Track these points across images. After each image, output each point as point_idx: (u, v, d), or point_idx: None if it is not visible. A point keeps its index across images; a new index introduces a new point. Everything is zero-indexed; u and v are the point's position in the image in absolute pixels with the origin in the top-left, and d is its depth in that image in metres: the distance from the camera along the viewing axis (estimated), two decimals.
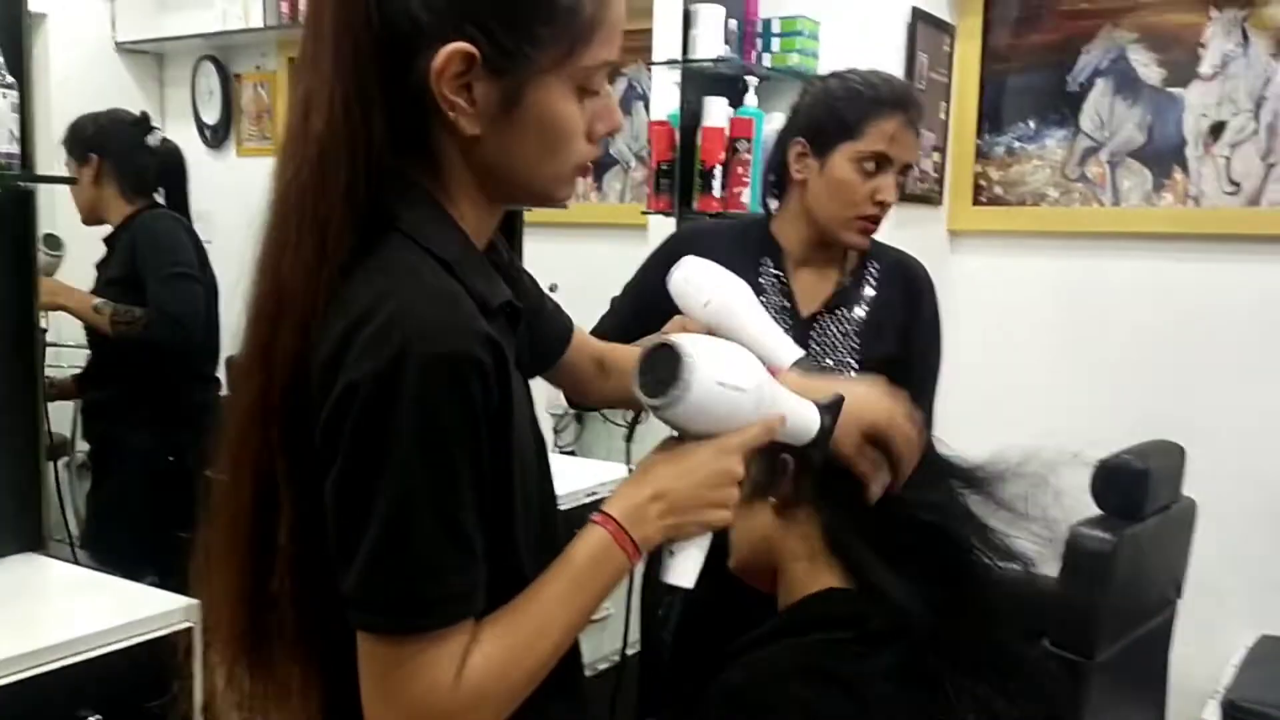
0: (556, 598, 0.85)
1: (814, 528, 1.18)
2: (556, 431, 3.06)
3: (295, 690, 0.89)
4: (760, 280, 1.68)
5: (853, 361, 1.64)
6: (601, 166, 3.51)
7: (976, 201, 3.25)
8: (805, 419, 1.03)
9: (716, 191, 2.79)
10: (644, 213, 2.88)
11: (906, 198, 3.04)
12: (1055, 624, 1.94)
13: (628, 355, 1.15)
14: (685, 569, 0.96)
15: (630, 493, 0.90)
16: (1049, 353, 3.18)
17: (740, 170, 2.80)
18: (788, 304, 1.67)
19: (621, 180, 3.48)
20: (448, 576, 0.78)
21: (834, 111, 1.62)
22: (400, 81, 0.82)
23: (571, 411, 3.06)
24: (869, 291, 1.70)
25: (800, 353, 1.34)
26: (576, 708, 1.00)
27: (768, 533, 1.20)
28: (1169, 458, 2.13)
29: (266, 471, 0.83)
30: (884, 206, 1.63)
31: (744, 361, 0.95)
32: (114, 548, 2.30)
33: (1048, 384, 3.17)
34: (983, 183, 3.24)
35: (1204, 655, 2.80)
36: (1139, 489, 1.98)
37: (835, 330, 1.66)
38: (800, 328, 1.65)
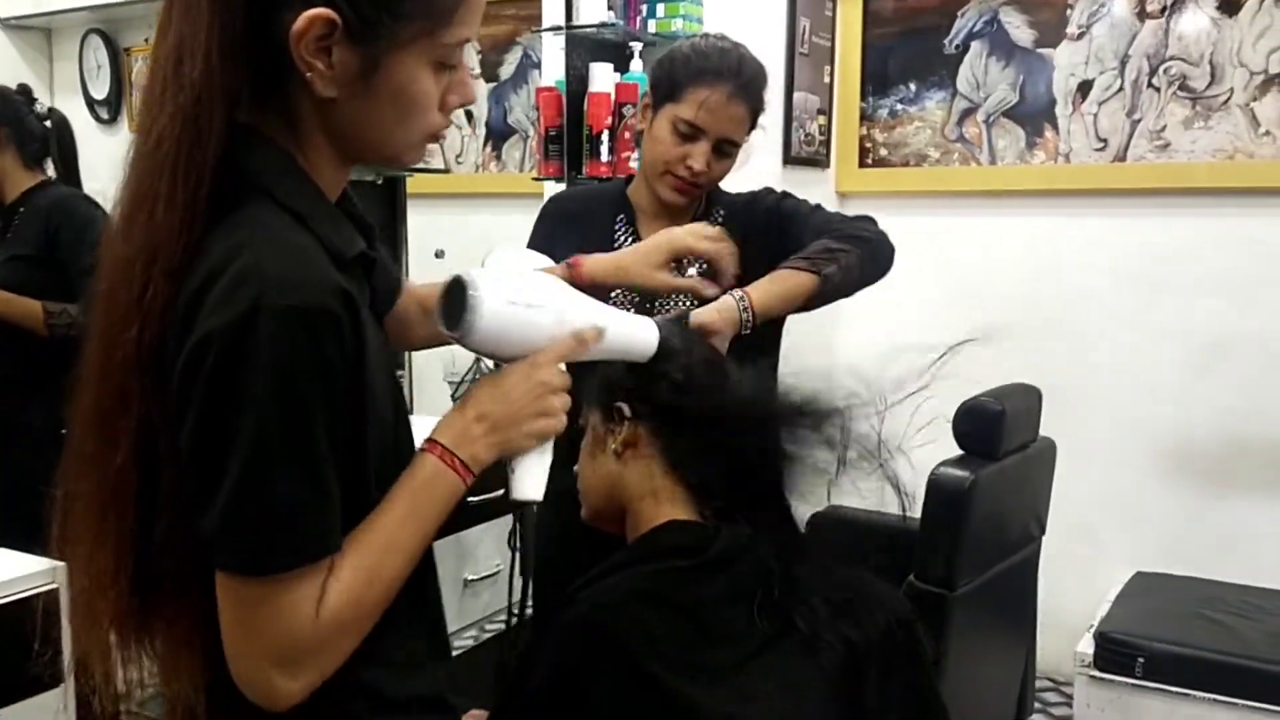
0: (397, 522, 0.90)
1: (655, 463, 1.24)
2: (454, 398, 3.09)
3: (182, 640, 0.92)
4: (616, 238, 1.73)
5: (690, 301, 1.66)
6: (499, 136, 3.54)
7: (863, 163, 3.34)
8: (634, 333, 1.09)
9: (604, 156, 2.84)
10: (535, 179, 2.92)
11: (796, 160, 3.13)
12: (918, 560, 2.03)
13: None
14: (529, 483, 1.01)
15: (453, 418, 0.96)
16: (931, 306, 3.29)
17: (627, 135, 2.85)
18: None
19: (521, 149, 3.52)
20: (306, 517, 0.83)
21: (667, 72, 1.65)
22: (263, 37, 0.84)
23: (470, 378, 3.10)
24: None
25: (651, 322, 1.42)
26: (426, 636, 1.03)
27: (612, 478, 1.25)
28: (1026, 399, 2.22)
29: (144, 421, 0.85)
30: (694, 173, 1.64)
31: (539, 281, 1.01)
32: (12, 520, 2.29)
33: (933, 338, 3.27)
34: (868, 145, 3.34)
35: (1082, 591, 2.94)
36: (995, 429, 2.07)
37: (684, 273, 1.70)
38: None
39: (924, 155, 3.27)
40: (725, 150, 1.66)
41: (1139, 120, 2.99)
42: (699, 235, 1.39)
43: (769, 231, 1.71)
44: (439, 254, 2.67)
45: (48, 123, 2.47)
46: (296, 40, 0.83)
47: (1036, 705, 3.15)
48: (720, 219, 1.74)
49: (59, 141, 2.50)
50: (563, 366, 1.02)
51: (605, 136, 2.83)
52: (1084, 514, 3.18)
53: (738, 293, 1.46)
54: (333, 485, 0.84)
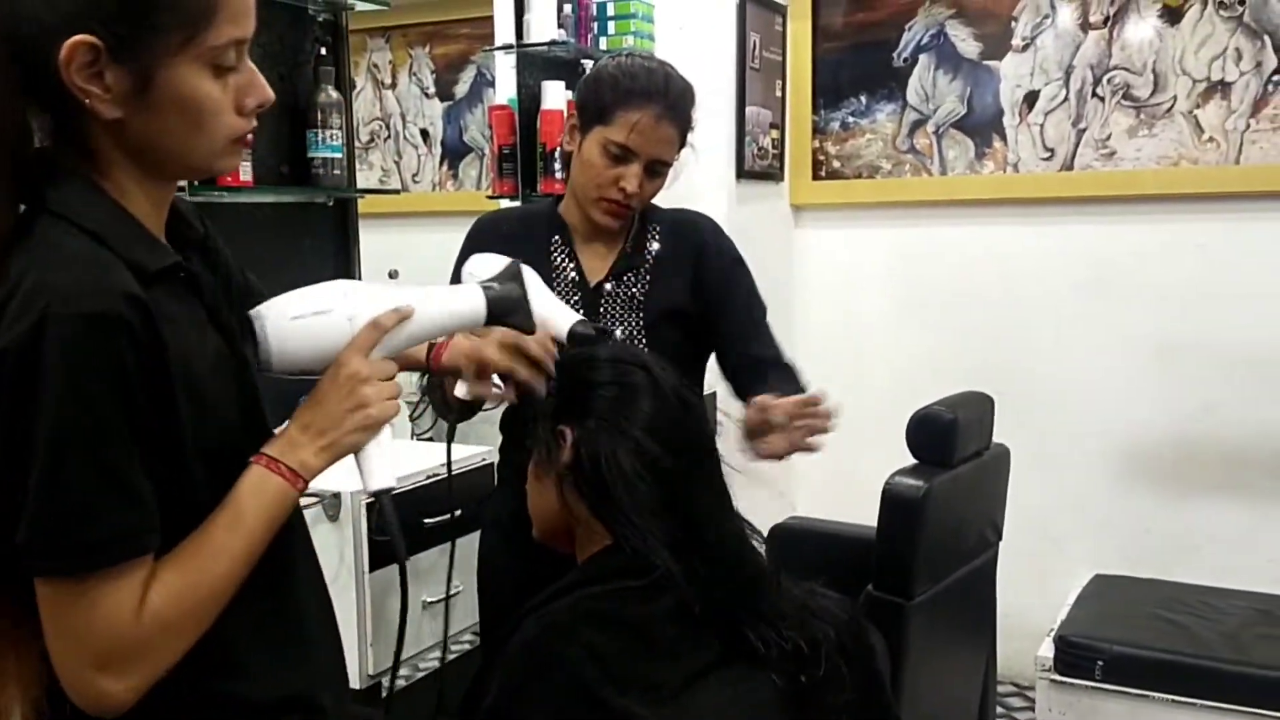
0: (224, 527, 0.93)
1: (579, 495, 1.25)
2: (413, 419, 3.08)
3: (6, 649, 0.93)
4: (551, 257, 1.72)
5: (641, 319, 1.69)
6: (455, 155, 3.54)
7: (816, 176, 3.37)
8: (450, 304, 1.11)
9: (558, 173, 2.84)
10: (489, 197, 2.92)
11: (750, 174, 3.15)
12: (875, 569, 2.04)
13: None
14: (377, 474, 1.04)
15: (280, 436, 1.01)
16: (886, 316, 3.33)
17: None
18: (577, 276, 1.71)
19: (477, 168, 3.51)
20: (108, 518, 0.85)
21: (594, 94, 1.64)
22: (46, 79, 0.88)
23: (426, 399, 3.08)
24: (655, 248, 1.74)
25: (576, 317, 1.42)
26: (291, 641, 1.06)
27: (554, 502, 1.26)
28: (978, 407, 2.24)
29: None
30: (627, 195, 1.63)
31: (322, 290, 1.04)
32: None
33: (886, 344, 3.31)
34: (821, 157, 3.36)
35: (1042, 595, 2.97)
36: (948, 438, 2.09)
37: (622, 294, 1.70)
38: (590, 296, 1.70)
39: (876, 167, 3.30)
40: (656, 170, 1.66)
41: (1084, 129, 3.04)
42: (509, 353, 1.29)
43: (700, 270, 1.72)
44: (393, 274, 2.66)
45: None
46: (65, 70, 0.87)
47: (1000, 710, 3.17)
48: (656, 235, 1.75)
49: None
50: (383, 357, 1.04)
51: (558, 154, 2.83)
52: (1042, 519, 3.22)
53: None
54: (139, 487, 0.87)
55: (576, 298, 1.71)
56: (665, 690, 1.13)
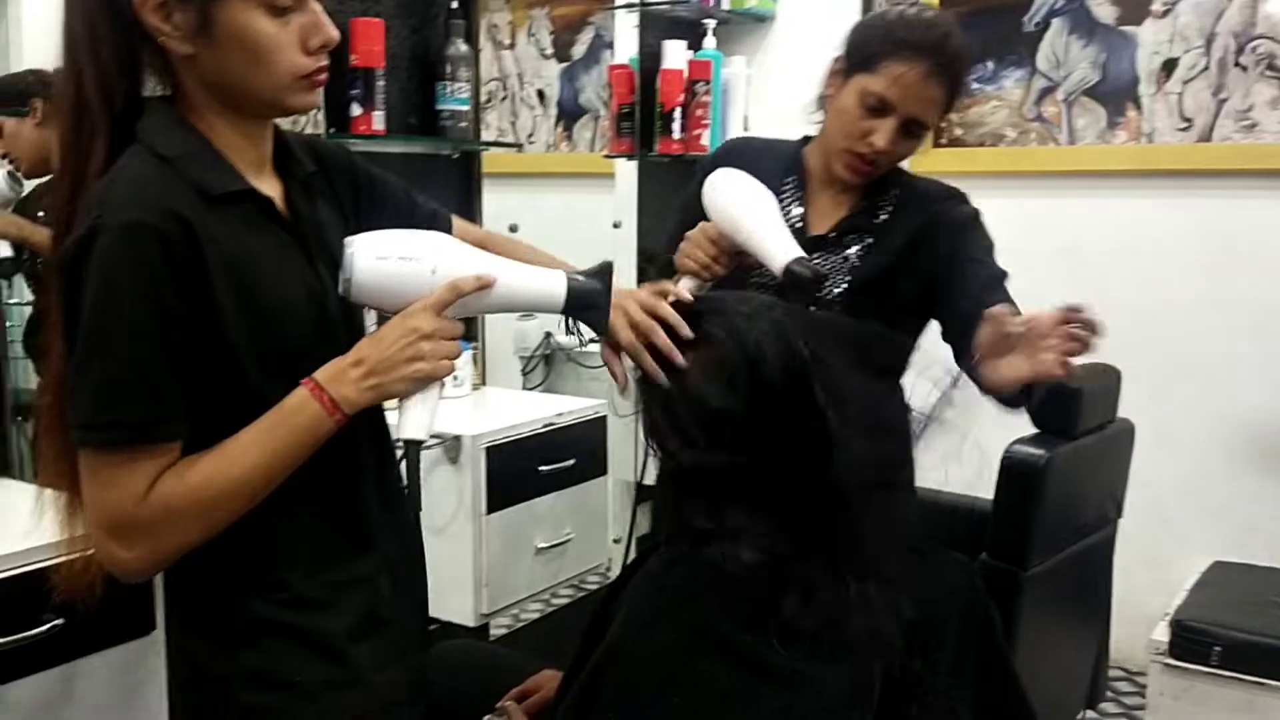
0: (252, 437, 1.01)
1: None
2: (525, 373, 3.13)
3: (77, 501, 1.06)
4: (781, 196, 1.64)
5: (848, 282, 1.61)
6: (571, 116, 3.56)
7: (937, 143, 3.29)
8: (533, 284, 1.11)
9: (676, 134, 2.84)
10: (606, 156, 2.94)
11: None
12: (992, 538, 2.01)
13: (502, 244, 1.30)
14: (411, 424, 1.07)
15: (334, 362, 1.05)
16: (1011, 288, 3.24)
17: (699, 112, 2.85)
18: (800, 224, 1.65)
19: (591, 129, 3.53)
20: (125, 408, 0.96)
21: (863, 40, 1.56)
22: (129, 22, 1.00)
23: (540, 354, 3.13)
24: (884, 217, 1.66)
25: (798, 252, 1.40)
26: (348, 539, 1.12)
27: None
28: (1104, 379, 2.19)
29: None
30: (875, 150, 1.55)
31: (416, 237, 1.07)
32: None
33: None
34: (942, 125, 3.29)
35: (1159, 581, 2.89)
36: (1072, 408, 2.04)
37: (837, 254, 1.64)
38: (805, 247, 1.59)
39: (1000, 135, 3.22)
40: (913, 131, 1.56)
41: (1225, 100, 2.91)
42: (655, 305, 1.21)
43: (934, 252, 1.62)
44: (513, 228, 2.70)
45: None
46: (139, 10, 0.99)
47: (1109, 694, 3.11)
48: (891, 202, 1.65)
49: None
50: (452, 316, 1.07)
51: (677, 114, 2.84)
52: (1162, 501, 3.12)
53: None
54: (162, 384, 0.97)
55: None
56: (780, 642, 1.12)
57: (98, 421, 0.97)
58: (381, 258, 1.05)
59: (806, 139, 1.72)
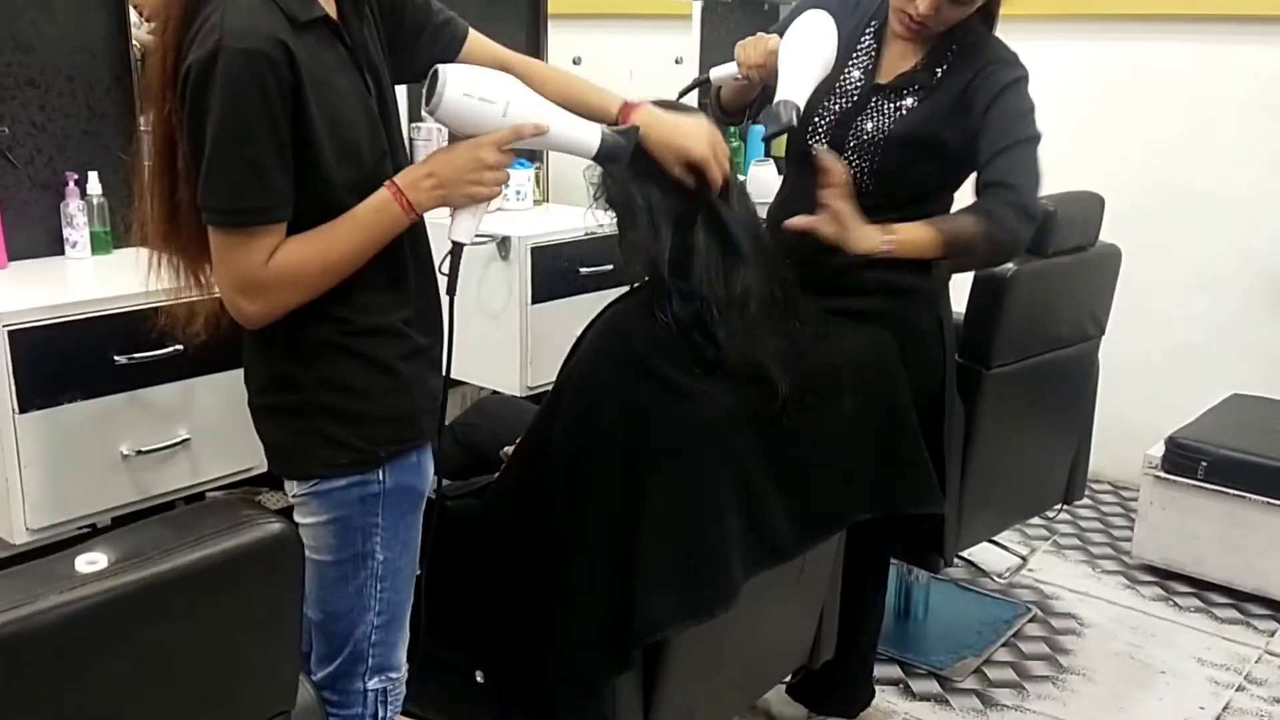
0: (345, 227, 1.29)
1: None
2: (595, 198, 3.44)
3: (197, 264, 1.35)
4: (860, 40, 1.82)
5: (889, 130, 1.79)
6: None
7: None
8: (575, 134, 1.38)
9: None
10: None
11: None
12: (961, 340, 2.27)
13: (521, 64, 1.53)
14: (461, 227, 1.36)
15: (412, 170, 1.33)
16: (1059, 131, 3.38)
17: None
18: (869, 66, 1.82)
19: None
20: (249, 195, 1.22)
21: None
22: None
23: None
24: (939, 76, 1.78)
25: (802, 98, 1.62)
26: (392, 289, 1.39)
27: None
28: (1083, 205, 2.36)
29: (169, 121, 1.26)
30: (920, 14, 1.68)
31: (496, 81, 1.33)
32: None
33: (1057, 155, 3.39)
34: None
35: (1178, 409, 3.08)
36: (1043, 228, 2.25)
37: (889, 104, 1.80)
38: (868, 92, 1.81)
39: None
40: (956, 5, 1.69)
41: None
42: (716, 160, 1.49)
43: (972, 112, 1.74)
44: (576, 60, 2.98)
45: None
46: None
47: (1089, 501, 3.38)
48: (948, 60, 1.78)
49: None
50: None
51: None
52: (1188, 336, 3.30)
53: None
54: (275, 178, 1.22)
55: (856, 88, 1.82)
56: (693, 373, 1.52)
57: (229, 208, 1.22)
58: (467, 95, 1.29)
59: None
